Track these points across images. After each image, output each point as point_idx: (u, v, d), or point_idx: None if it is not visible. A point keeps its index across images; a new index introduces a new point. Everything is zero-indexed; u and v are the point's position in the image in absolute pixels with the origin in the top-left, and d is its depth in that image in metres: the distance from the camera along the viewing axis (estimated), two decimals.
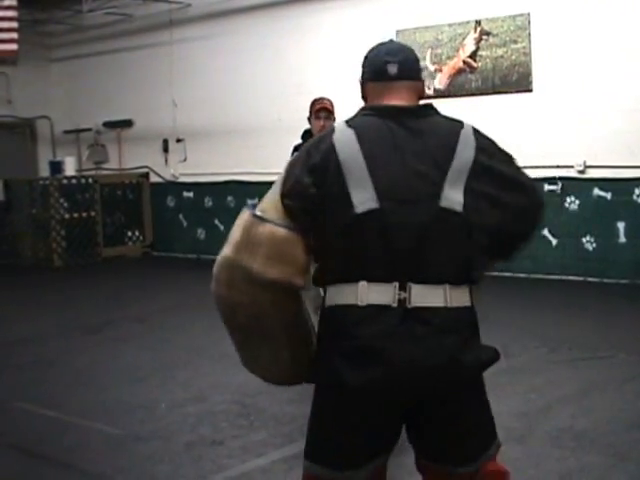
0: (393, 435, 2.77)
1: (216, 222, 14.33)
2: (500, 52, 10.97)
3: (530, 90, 10.85)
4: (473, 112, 11.08)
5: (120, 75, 15.26)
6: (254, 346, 2.84)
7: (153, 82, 14.82)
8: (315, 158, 2.67)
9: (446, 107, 10.55)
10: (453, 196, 2.60)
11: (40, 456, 5.21)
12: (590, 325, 8.24)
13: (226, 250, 2.82)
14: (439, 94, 11.51)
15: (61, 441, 5.45)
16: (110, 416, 5.85)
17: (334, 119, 6.80)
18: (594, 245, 10.56)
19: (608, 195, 10.42)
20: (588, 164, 10.49)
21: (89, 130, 15.88)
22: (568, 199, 10.68)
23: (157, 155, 15.01)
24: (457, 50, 11.36)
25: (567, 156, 10.57)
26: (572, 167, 10.59)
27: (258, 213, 2.75)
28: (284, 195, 2.73)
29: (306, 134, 8.17)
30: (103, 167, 15.84)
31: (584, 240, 10.62)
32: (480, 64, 11.18)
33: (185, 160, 14.63)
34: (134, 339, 8.27)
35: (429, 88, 11.60)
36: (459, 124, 2.77)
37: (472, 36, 11.20)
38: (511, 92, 10.99)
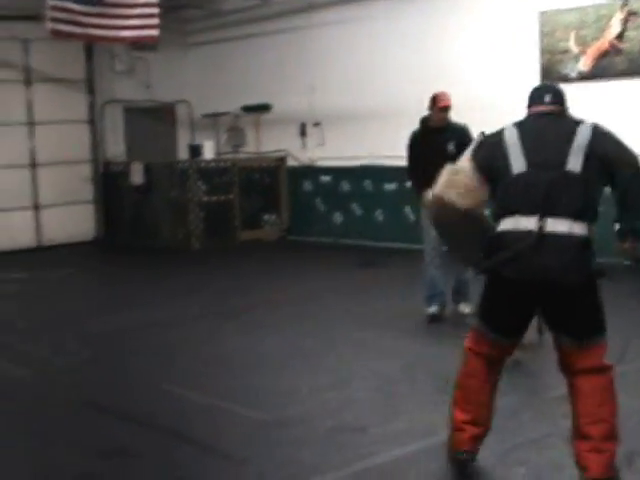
0: (526, 319, 4.39)
1: (353, 206, 14.34)
2: None
3: None
4: (619, 96, 10.80)
5: (257, 60, 15.40)
6: (455, 244, 4.87)
7: (290, 66, 14.90)
8: (489, 141, 4.47)
9: (590, 91, 10.21)
10: (574, 163, 4.14)
11: (185, 438, 5.32)
12: None
13: (435, 189, 4.48)
14: (583, 77, 11.18)
15: (205, 424, 5.56)
16: (252, 400, 5.92)
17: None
18: None
19: None
20: None
21: (227, 114, 16.08)
22: None
23: (294, 139, 15.09)
24: (602, 31, 10.98)
25: None
26: None
27: (457, 167, 4.52)
28: (474, 159, 4.43)
29: (424, 123, 8.30)
30: (241, 151, 16.03)
31: None
32: (627, 45, 10.78)
33: (323, 144, 14.66)
34: (273, 326, 8.30)
35: (573, 70, 11.29)
36: (579, 122, 4.30)
37: (618, 16, 10.80)
38: None
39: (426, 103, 13.01)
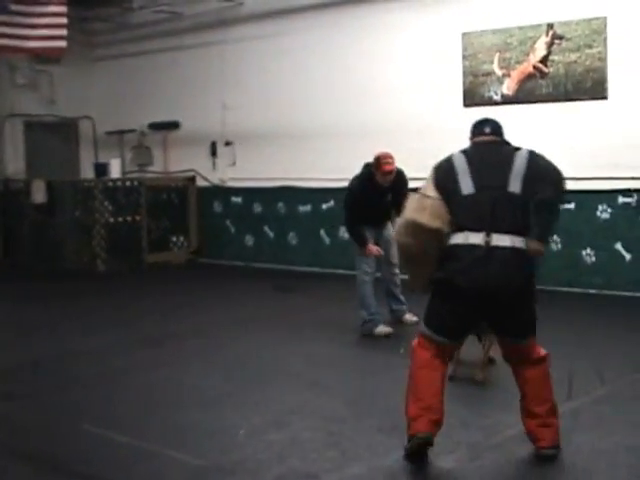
0: (472, 323, 5.01)
1: (265, 229, 13.91)
2: (573, 57, 10.46)
3: (605, 97, 10.33)
4: (543, 119, 10.68)
5: (167, 76, 14.88)
6: (416, 270, 5.09)
7: (202, 83, 14.41)
8: (443, 166, 4.98)
9: (514, 114, 10.09)
10: (514, 186, 4.73)
11: None
12: None
13: (405, 215, 4.98)
14: (506, 100, 11.02)
15: (137, 471, 5.00)
16: (187, 443, 5.39)
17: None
18: None
19: None
20: None
21: (133, 131, 15.47)
22: None
23: (204, 159, 14.60)
24: (527, 54, 10.85)
25: None
26: None
27: (423, 192, 4.94)
28: (434, 182, 4.91)
29: (368, 178, 8.37)
30: (147, 170, 15.42)
31: None
32: (552, 69, 10.67)
33: (234, 164, 14.20)
34: (199, 355, 7.82)
35: (496, 94, 11.11)
36: (517, 149, 4.91)
37: (543, 40, 10.69)
38: (585, 99, 10.47)
39: (345, 123, 12.83)
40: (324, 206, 13.18)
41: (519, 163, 4.79)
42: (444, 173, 4.91)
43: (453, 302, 4.78)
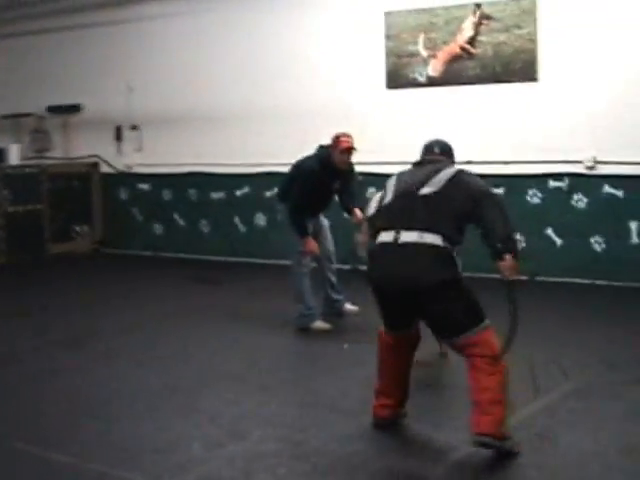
0: (408, 315, 4.99)
1: (175, 217, 13.28)
2: (502, 38, 10.16)
3: (535, 79, 10.08)
4: (471, 102, 10.40)
5: (67, 56, 13.99)
6: None
7: (105, 64, 13.61)
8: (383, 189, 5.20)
9: (440, 96, 9.68)
10: (428, 189, 4.83)
11: None
12: (624, 335, 7.55)
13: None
14: (432, 82, 10.68)
15: None
16: (137, 460, 4.83)
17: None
18: (603, 246, 9.86)
19: (620, 193, 9.73)
20: (598, 159, 9.79)
21: (30, 115, 14.57)
22: (575, 197, 9.96)
23: (108, 144, 13.83)
24: (454, 35, 10.51)
25: (575, 151, 9.85)
26: (580, 162, 9.88)
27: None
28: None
29: (324, 160, 7.78)
30: (46, 156, 14.53)
31: (592, 240, 9.91)
32: (479, 50, 10.36)
33: (141, 149, 13.50)
34: (127, 355, 7.23)
35: (421, 75, 10.76)
36: (448, 166, 5.06)
37: (471, 20, 10.37)
38: (514, 81, 10.20)
39: (261, 106, 12.31)
40: (238, 193, 12.63)
41: (442, 175, 4.90)
42: (380, 196, 5.19)
43: (379, 298, 5.04)
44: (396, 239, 4.80)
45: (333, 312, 8.34)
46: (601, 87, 9.72)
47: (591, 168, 9.84)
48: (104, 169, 13.98)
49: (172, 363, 6.94)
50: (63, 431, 5.41)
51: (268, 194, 12.24)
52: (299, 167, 7.89)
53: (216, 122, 12.54)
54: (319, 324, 7.91)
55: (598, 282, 9.84)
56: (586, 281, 9.90)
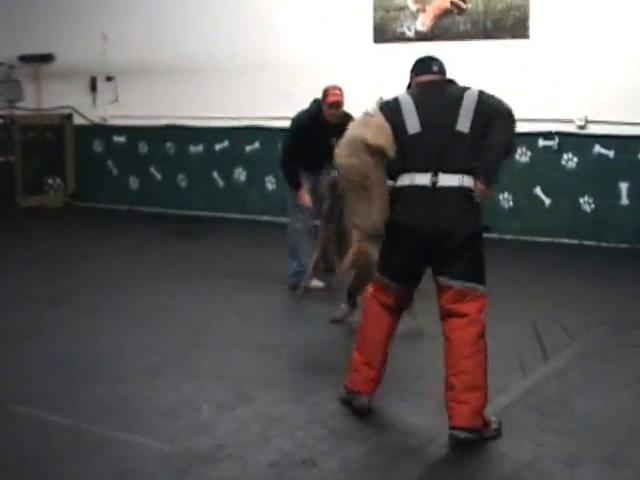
0: (421, 265, 4.61)
1: (152, 170, 13.00)
2: None
3: (527, 36, 9.93)
4: (460, 58, 10.09)
5: (39, 3, 13.54)
6: (360, 202, 4.70)
7: (78, 12, 13.17)
8: (389, 105, 4.64)
9: (428, 51, 9.66)
10: (462, 125, 4.44)
11: None
12: (617, 295, 7.55)
13: (349, 131, 4.72)
14: (421, 37, 10.48)
15: (100, 460, 4.23)
16: (144, 424, 4.65)
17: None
18: (592, 206, 9.78)
19: (610, 153, 9.64)
20: (589, 119, 9.68)
21: (0, 65, 14.10)
22: (565, 156, 9.86)
23: (83, 95, 13.45)
24: None
25: (566, 110, 9.73)
26: (571, 121, 9.77)
27: (369, 112, 4.68)
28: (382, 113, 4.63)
29: (314, 113, 7.56)
30: (18, 107, 14.09)
31: (582, 201, 9.83)
32: (470, 5, 10.16)
33: (116, 101, 13.15)
34: (112, 313, 6.99)
35: (409, 30, 10.55)
36: (466, 88, 4.60)
37: None
38: (505, 38, 10.03)
39: (237, 58, 12.03)
40: (217, 147, 12.38)
41: (468, 102, 4.49)
42: (390, 112, 4.60)
43: (401, 244, 4.58)
44: (434, 183, 4.43)
45: (326, 268, 8.18)
46: (594, 45, 9.58)
47: (582, 127, 9.74)
48: (78, 121, 13.62)
49: (162, 320, 6.76)
50: (58, 392, 5.19)
51: (248, 149, 12.03)
52: (292, 120, 7.72)
53: (195, 74, 12.24)
54: (313, 282, 7.73)
55: (586, 242, 9.78)
56: (574, 241, 9.84)
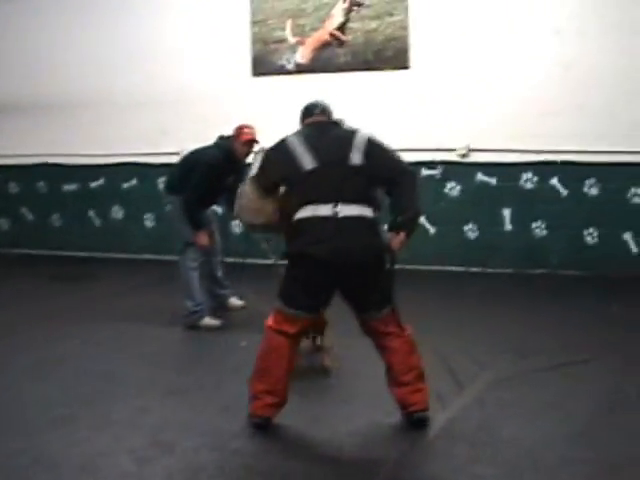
0: (328, 294, 4.90)
1: (23, 211, 12.53)
2: (374, 25, 10.08)
3: (407, 67, 10.06)
4: (341, 89, 10.24)
5: None
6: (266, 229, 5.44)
7: None
8: (278, 147, 4.96)
9: (309, 83, 9.62)
10: (356, 159, 4.76)
11: None
12: (511, 321, 7.65)
13: (235, 211, 5.41)
14: (301, 69, 10.48)
15: None
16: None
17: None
18: (477, 233, 9.97)
19: (493, 180, 9.86)
20: (472, 147, 9.86)
21: None
22: (449, 184, 10.02)
23: None
24: (323, 21, 10.34)
25: (448, 139, 9.90)
26: (454, 150, 9.93)
27: (240, 191, 5.28)
28: (264, 173, 5.03)
29: (226, 151, 7.42)
30: None
31: (466, 228, 10.01)
32: (350, 37, 10.24)
33: None
34: (10, 363, 6.60)
35: (289, 62, 10.54)
36: (355, 130, 4.94)
37: (341, 6, 10.23)
38: (386, 69, 10.14)
39: (112, 94, 11.73)
40: (93, 184, 12.03)
41: (359, 141, 4.84)
42: (280, 154, 4.92)
43: (307, 274, 4.78)
44: (336, 213, 4.69)
45: (217, 306, 8.04)
46: (473, 75, 9.80)
47: (464, 156, 9.91)
48: None
49: (64, 369, 6.41)
50: None
51: (125, 185, 11.75)
52: (198, 158, 7.48)
53: (67, 110, 11.86)
54: (208, 321, 7.58)
55: (472, 269, 9.93)
56: (460, 269, 9.98)
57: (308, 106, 5.22)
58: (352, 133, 4.91)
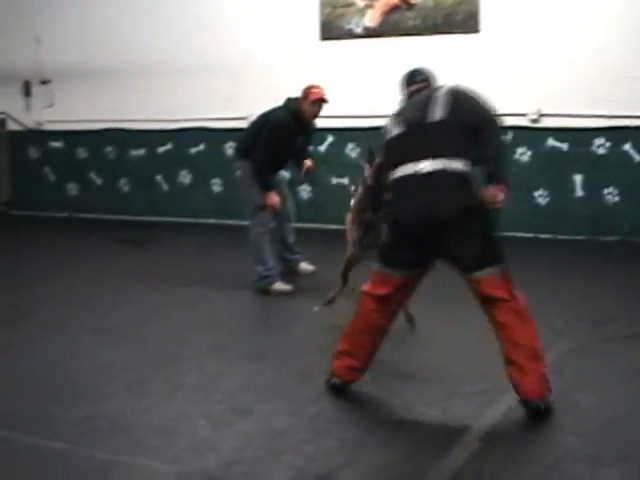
0: (417, 253, 4.72)
1: (92, 175, 12.66)
2: None
3: (477, 31, 9.91)
4: (410, 54, 10.05)
5: None
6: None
7: (9, 13, 12.78)
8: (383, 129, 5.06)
9: (377, 48, 9.52)
10: (434, 115, 4.65)
11: None
12: (584, 289, 7.56)
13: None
14: (370, 33, 10.38)
15: None
16: (145, 445, 4.40)
17: None
18: (547, 199, 9.83)
19: (564, 146, 9.69)
20: (542, 112, 9.70)
21: None
22: (519, 150, 9.88)
23: (16, 99, 13.04)
24: None
25: (519, 104, 9.72)
26: (524, 115, 9.78)
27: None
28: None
29: (295, 112, 7.36)
30: None
31: (536, 194, 9.87)
32: (420, 1, 10.10)
33: (52, 105, 12.75)
34: (78, 327, 6.64)
35: (357, 26, 10.44)
36: (440, 87, 4.85)
37: None
38: (455, 33, 10.01)
39: (179, 59, 11.75)
40: (161, 149, 12.10)
41: (439, 95, 4.73)
42: (384, 132, 5.01)
43: (398, 234, 4.81)
44: (418, 170, 4.62)
45: (288, 272, 8.06)
46: (545, 38, 9.62)
47: (535, 121, 9.76)
48: (11, 126, 13.19)
49: (135, 333, 6.47)
50: (36, 415, 4.86)
51: (193, 151, 11.79)
52: (267, 120, 7.46)
53: (134, 76, 11.96)
54: (279, 286, 7.59)
55: (542, 236, 9.80)
56: (529, 235, 9.85)
57: (407, 75, 5.15)
58: (435, 90, 4.83)
